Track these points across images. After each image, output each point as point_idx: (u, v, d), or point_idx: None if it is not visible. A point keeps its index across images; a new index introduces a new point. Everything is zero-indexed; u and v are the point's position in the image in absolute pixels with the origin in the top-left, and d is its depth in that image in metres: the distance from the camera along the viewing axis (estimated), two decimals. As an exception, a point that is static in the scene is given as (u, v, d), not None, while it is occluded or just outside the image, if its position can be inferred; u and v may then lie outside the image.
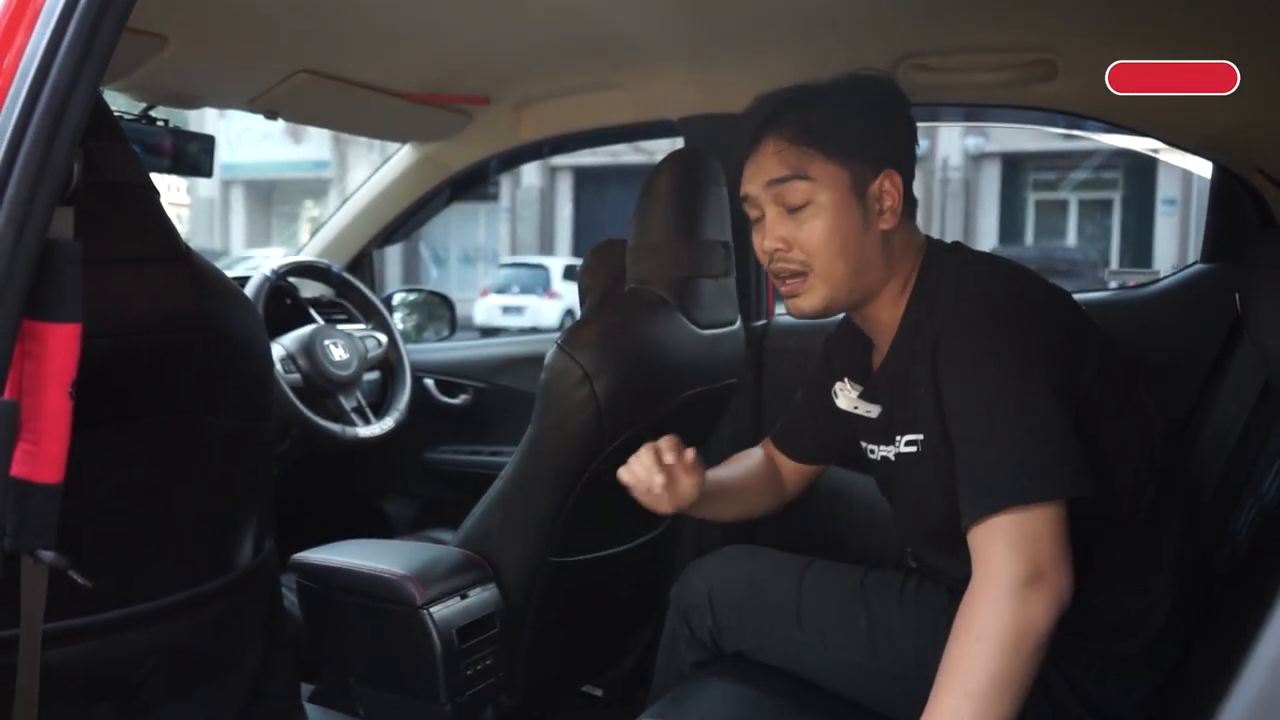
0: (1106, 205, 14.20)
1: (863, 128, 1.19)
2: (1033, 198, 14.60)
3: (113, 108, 1.20)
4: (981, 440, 1.04)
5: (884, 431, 1.24)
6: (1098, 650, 1.14)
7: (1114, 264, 13.52)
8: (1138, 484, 1.14)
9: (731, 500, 1.40)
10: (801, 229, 1.19)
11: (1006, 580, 0.97)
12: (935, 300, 1.15)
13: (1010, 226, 14.39)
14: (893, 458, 1.23)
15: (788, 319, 2.05)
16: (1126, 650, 1.13)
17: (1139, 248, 13.23)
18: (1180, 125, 1.68)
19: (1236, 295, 1.20)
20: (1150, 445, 1.17)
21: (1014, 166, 14.15)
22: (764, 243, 1.23)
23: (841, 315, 1.33)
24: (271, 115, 1.92)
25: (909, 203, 1.22)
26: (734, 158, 1.92)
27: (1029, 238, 14.47)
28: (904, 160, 1.22)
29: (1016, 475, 1.01)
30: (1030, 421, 1.03)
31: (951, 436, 1.08)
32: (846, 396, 1.35)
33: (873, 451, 1.29)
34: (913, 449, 1.18)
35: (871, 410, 1.29)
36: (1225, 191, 1.75)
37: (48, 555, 0.84)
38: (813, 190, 1.18)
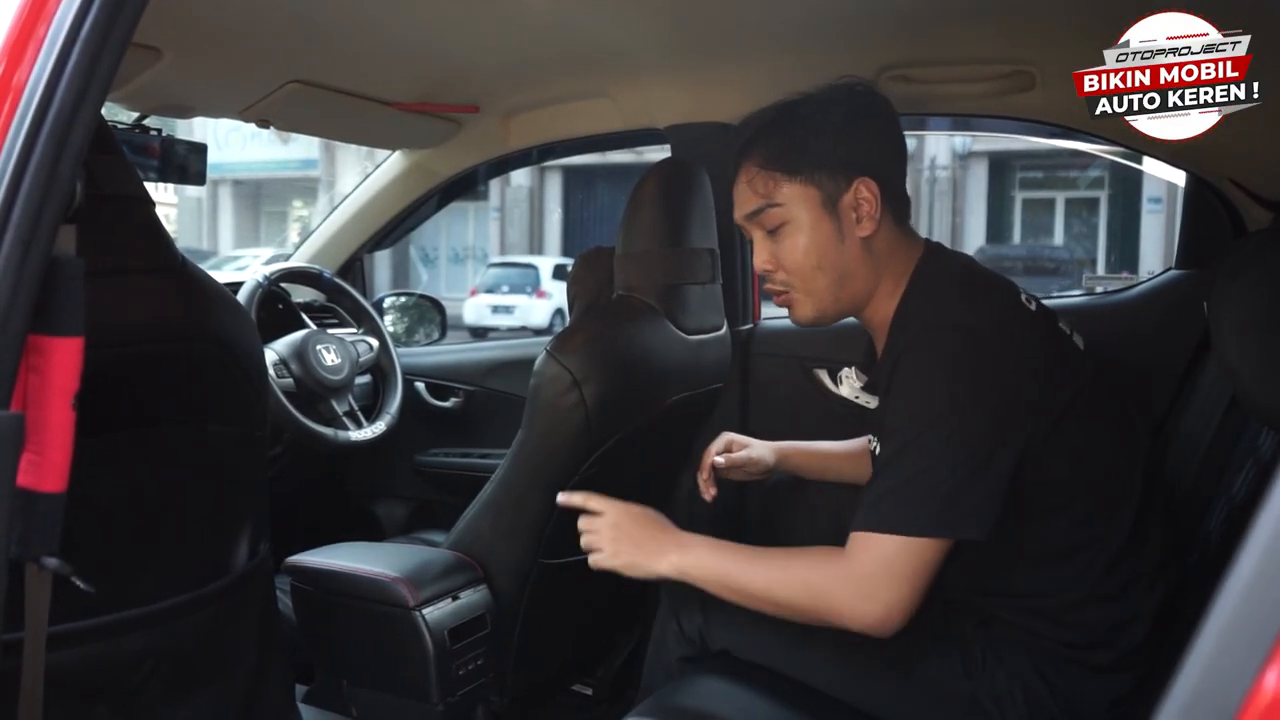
0: (1093, 204, 14.30)
1: (827, 143, 1.21)
2: (1020, 196, 14.68)
3: (107, 118, 1.22)
4: (889, 458, 1.11)
5: (874, 426, 1.29)
6: (1077, 658, 1.17)
7: (1101, 261, 13.62)
8: (1117, 502, 1.17)
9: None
10: (781, 249, 1.24)
11: (860, 588, 1.09)
12: (915, 316, 1.19)
13: (998, 225, 14.47)
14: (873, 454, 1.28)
15: (773, 323, 2.09)
16: (1105, 659, 1.16)
17: (1125, 246, 13.33)
18: (1155, 135, 1.71)
19: (1205, 304, 1.23)
20: (1133, 463, 1.20)
21: (1001, 166, 14.23)
22: (755, 265, 1.29)
23: None
24: (264, 124, 1.94)
25: (894, 205, 1.24)
26: (721, 164, 1.97)
27: (1016, 236, 14.56)
28: (880, 165, 1.23)
29: (901, 503, 1.08)
30: (935, 455, 1.08)
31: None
32: (850, 385, 1.40)
33: (870, 443, 1.34)
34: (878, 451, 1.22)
35: (871, 402, 1.36)
36: (1199, 199, 1.79)
37: (52, 562, 0.86)
38: (785, 213, 1.23)
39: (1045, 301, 1.29)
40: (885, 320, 1.24)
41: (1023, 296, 1.23)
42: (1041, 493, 1.13)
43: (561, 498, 1.32)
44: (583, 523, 1.28)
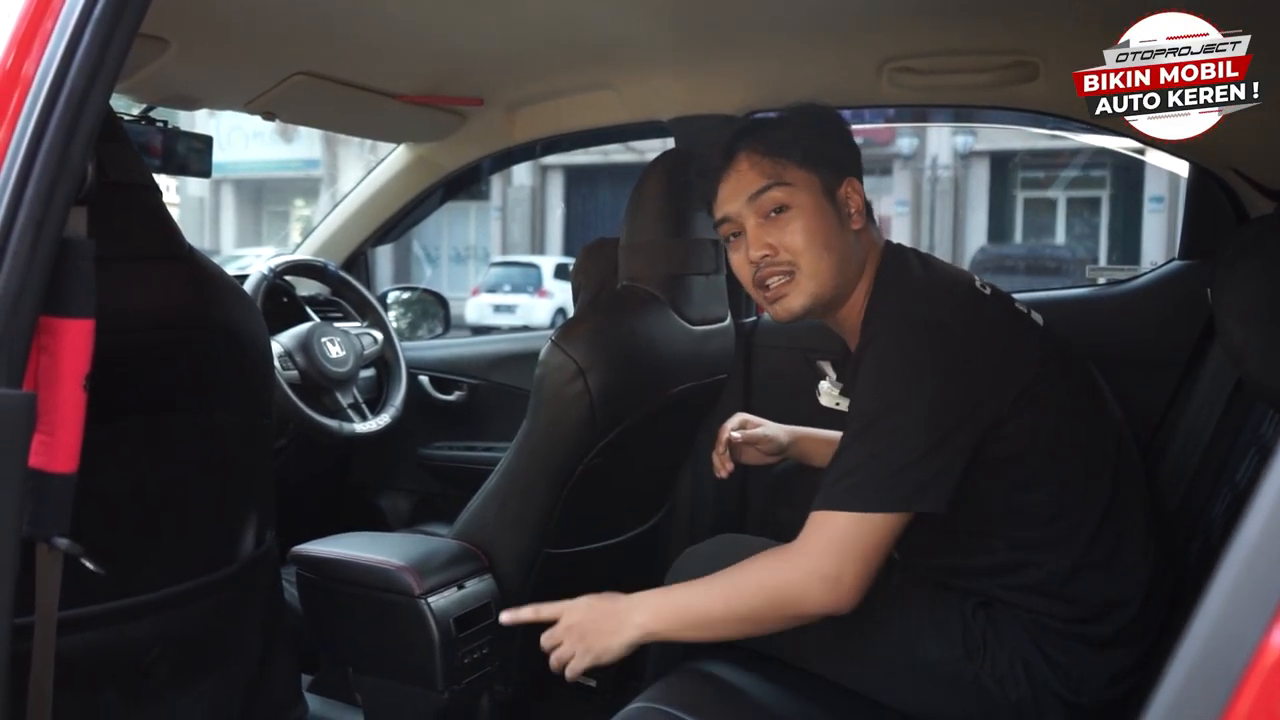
0: (1094, 203, 14.28)
1: (822, 140, 1.28)
2: (1021, 196, 14.66)
3: (113, 109, 1.23)
4: (847, 443, 1.16)
5: None
6: (1076, 632, 1.19)
7: (1102, 261, 13.61)
8: (1093, 470, 1.21)
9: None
10: (785, 231, 1.26)
11: (811, 567, 1.12)
12: (881, 312, 1.24)
13: (999, 225, 14.46)
14: None
15: (777, 316, 2.09)
16: (1103, 633, 1.19)
17: (1126, 245, 13.31)
18: (1158, 126, 1.72)
19: (1208, 290, 1.24)
20: (1105, 431, 1.25)
21: (1003, 165, 14.21)
22: (750, 252, 1.28)
23: None
24: (269, 116, 1.94)
25: (869, 210, 1.31)
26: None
27: (1018, 236, 14.54)
28: (857, 171, 1.31)
29: (856, 484, 1.12)
30: (891, 438, 1.12)
31: None
32: (829, 395, 1.41)
33: None
34: None
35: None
36: (1202, 190, 1.79)
37: (62, 542, 0.86)
38: (791, 194, 1.25)
39: (1046, 296, 1.31)
40: (857, 319, 1.28)
41: (977, 283, 1.28)
42: (1012, 466, 1.17)
43: (506, 617, 1.28)
44: (544, 639, 1.24)
